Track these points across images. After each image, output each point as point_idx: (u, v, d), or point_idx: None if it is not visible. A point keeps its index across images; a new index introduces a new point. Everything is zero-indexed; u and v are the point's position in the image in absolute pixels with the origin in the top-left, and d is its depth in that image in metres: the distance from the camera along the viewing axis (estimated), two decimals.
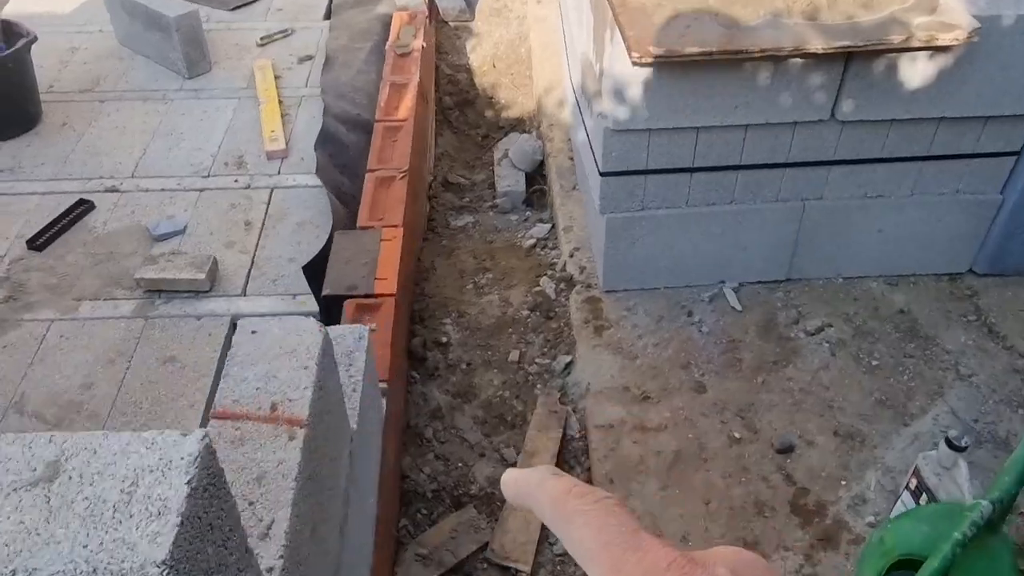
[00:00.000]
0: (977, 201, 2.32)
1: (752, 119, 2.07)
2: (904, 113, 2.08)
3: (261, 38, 3.68)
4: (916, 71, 1.98)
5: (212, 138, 3.11)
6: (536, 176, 3.38)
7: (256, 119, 3.19)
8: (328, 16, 3.91)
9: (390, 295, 2.04)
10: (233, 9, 3.95)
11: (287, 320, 1.15)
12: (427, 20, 3.39)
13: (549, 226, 2.93)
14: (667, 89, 1.99)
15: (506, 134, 3.71)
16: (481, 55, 3.85)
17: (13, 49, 2.96)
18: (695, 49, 1.78)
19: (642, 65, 1.86)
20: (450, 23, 3.92)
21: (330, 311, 2.10)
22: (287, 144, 3.05)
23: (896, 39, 1.78)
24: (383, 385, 1.81)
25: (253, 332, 1.13)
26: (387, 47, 3.07)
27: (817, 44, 1.78)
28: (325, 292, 2.08)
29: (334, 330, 1.55)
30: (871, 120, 2.11)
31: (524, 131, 3.69)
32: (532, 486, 0.38)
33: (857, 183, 2.28)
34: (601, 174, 2.20)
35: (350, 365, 1.48)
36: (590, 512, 0.35)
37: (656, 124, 2.07)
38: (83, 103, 3.30)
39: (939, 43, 1.79)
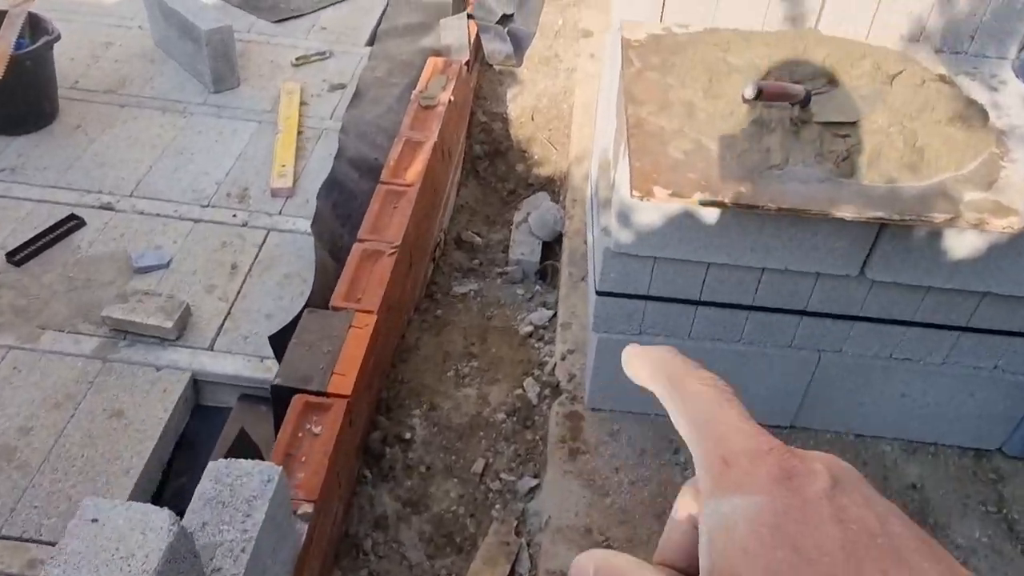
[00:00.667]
0: (1018, 382, 2.06)
1: (769, 264, 1.85)
2: (944, 283, 1.84)
3: (297, 58, 3.55)
4: (962, 244, 1.74)
5: (222, 163, 2.98)
6: (554, 246, 3.18)
7: (272, 148, 3.05)
8: (371, 42, 3.77)
9: (344, 396, 1.87)
10: (278, 21, 3.83)
11: (136, 510, 0.98)
12: (465, 67, 3.21)
13: (551, 314, 2.74)
14: (676, 222, 1.78)
15: (534, 192, 3.52)
16: (521, 105, 3.67)
17: (33, 47, 2.87)
18: (705, 197, 1.57)
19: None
20: (495, 67, 3.74)
21: (280, 398, 1.94)
22: (295, 182, 2.91)
23: (939, 217, 1.55)
24: (307, 509, 1.65)
25: (93, 520, 0.97)
26: (412, 96, 2.90)
27: (847, 210, 1.55)
28: (275, 381, 1.91)
29: (239, 467, 1.39)
30: (905, 284, 1.87)
31: (553, 192, 3.50)
32: (653, 357, 0.38)
33: (883, 342, 2.04)
34: (597, 292, 2.00)
35: (247, 517, 1.31)
36: (707, 392, 0.36)
37: (661, 253, 1.87)
38: (102, 105, 3.20)
39: (989, 229, 1.55)
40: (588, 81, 3.62)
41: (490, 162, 3.60)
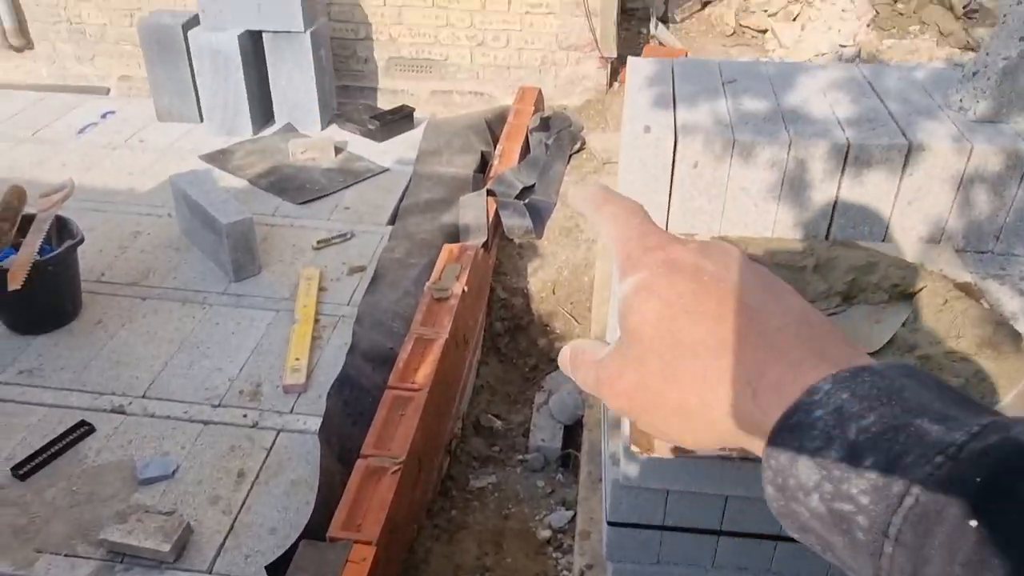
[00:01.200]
0: None
1: None
2: None
3: (318, 241, 3.59)
4: None
5: (237, 358, 2.96)
6: (577, 429, 3.05)
7: (287, 339, 3.03)
8: (393, 220, 3.81)
9: None
10: (302, 203, 3.90)
11: None
12: (482, 250, 3.20)
13: (571, 515, 2.58)
14: (687, 459, 1.65)
15: (557, 368, 3.42)
16: (542, 279, 3.63)
17: (56, 252, 2.93)
18: (711, 452, 1.45)
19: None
20: (515, 240, 3.73)
21: None
22: (308, 376, 2.86)
23: None
24: None
25: None
26: (425, 288, 2.87)
27: None
28: None
29: None
30: None
31: None
32: (585, 192, 0.50)
33: None
34: (608, 523, 1.86)
35: None
36: (618, 210, 0.48)
37: (674, 486, 1.73)
38: (124, 299, 3.24)
39: None
40: (609, 253, 3.58)
41: (511, 338, 3.53)
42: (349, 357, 2.81)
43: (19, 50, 5.29)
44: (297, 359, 2.91)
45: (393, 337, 2.97)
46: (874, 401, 0.35)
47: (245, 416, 2.72)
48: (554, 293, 3.59)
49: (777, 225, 1.96)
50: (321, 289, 3.31)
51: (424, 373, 2.45)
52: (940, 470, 0.32)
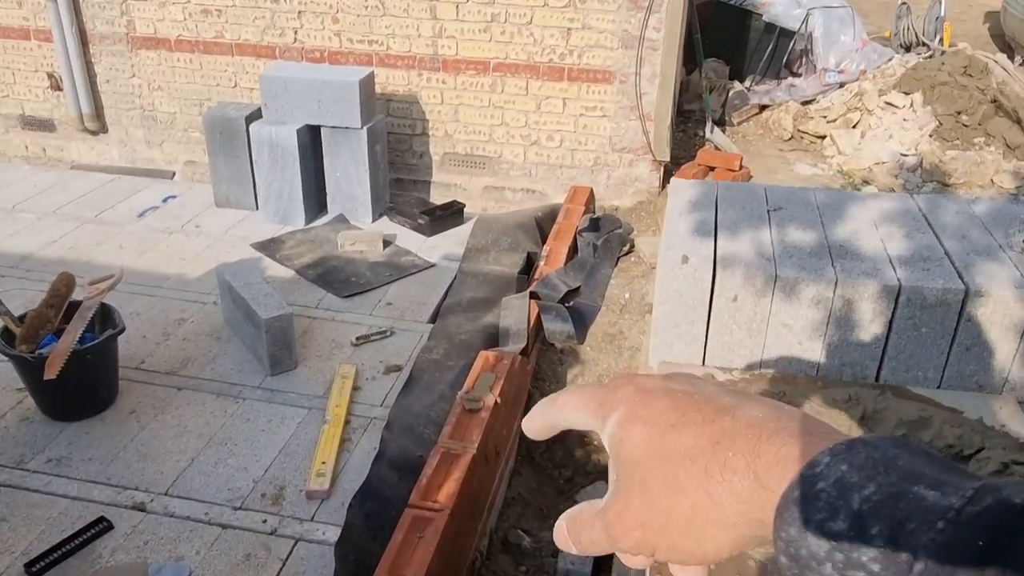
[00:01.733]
0: None
1: None
2: None
3: (357, 338, 3.56)
4: None
5: (263, 457, 2.90)
6: (608, 555, 2.89)
7: (316, 440, 2.97)
8: (434, 318, 3.77)
9: None
10: (346, 297, 3.90)
11: None
12: (520, 358, 3.12)
13: None
14: None
15: (592, 482, 3.28)
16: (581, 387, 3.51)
17: (96, 342, 2.95)
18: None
19: None
20: (556, 345, 3.64)
21: None
22: (333, 483, 2.78)
23: None
24: None
25: None
26: (457, 397, 2.80)
27: None
28: None
29: None
30: None
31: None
32: (543, 407, 0.57)
33: None
34: None
35: None
36: (568, 395, 0.54)
37: None
38: (161, 388, 3.24)
39: None
40: None
41: (547, 447, 3.41)
42: (375, 466, 2.73)
43: (94, 133, 5.52)
44: (323, 463, 2.84)
45: (423, 444, 2.89)
46: (871, 471, 0.37)
47: (265, 521, 2.65)
48: None
49: (822, 364, 1.84)
50: (355, 388, 3.26)
51: (448, 492, 2.35)
52: (943, 535, 0.34)
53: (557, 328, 3.57)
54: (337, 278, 4.06)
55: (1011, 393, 1.82)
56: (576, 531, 0.51)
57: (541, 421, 0.56)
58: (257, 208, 4.71)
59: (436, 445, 2.56)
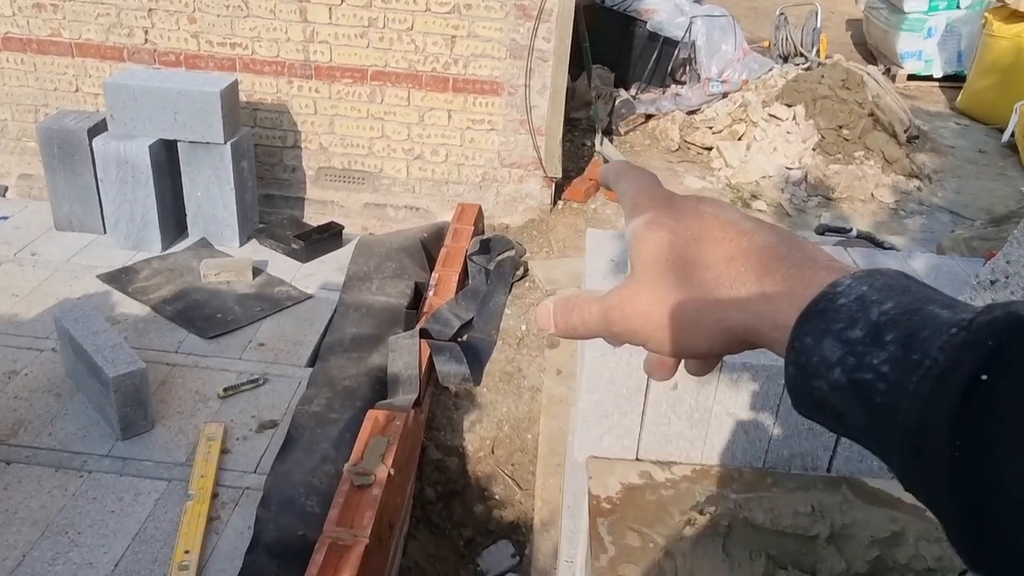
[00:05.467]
0: None
1: None
2: None
3: (224, 389, 3.14)
4: None
5: (113, 547, 2.46)
6: None
7: (177, 522, 2.55)
8: (313, 361, 3.39)
9: None
10: (211, 338, 3.46)
11: None
12: (413, 413, 2.80)
13: None
14: None
15: (495, 541, 3.02)
16: (480, 435, 3.24)
17: None
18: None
19: None
20: (451, 389, 3.35)
21: None
22: None
23: None
24: None
25: None
26: (344, 470, 2.46)
27: None
28: None
29: None
30: None
31: (517, 541, 3.00)
32: (611, 169, 0.60)
33: None
34: None
35: None
36: (633, 175, 0.56)
37: None
38: None
39: None
40: (554, 407, 3.23)
41: (444, 505, 3.12)
42: (249, 556, 2.35)
43: None
44: (187, 552, 2.43)
45: (306, 520, 2.53)
46: (890, 292, 0.40)
47: None
48: (493, 452, 3.20)
49: (770, 455, 1.63)
50: (224, 451, 2.85)
51: None
52: (956, 338, 0.36)
53: (451, 370, 3.27)
54: (200, 315, 3.61)
55: None
56: (566, 310, 0.54)
57: (612, 180, 0.59)
58: (105, 232, 4.16)
59: (322, 534, 2.21)
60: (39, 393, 3.07)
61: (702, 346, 0.49)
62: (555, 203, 4.74)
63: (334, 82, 4.41)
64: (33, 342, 3.35)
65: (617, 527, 1.46)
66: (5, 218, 4.35)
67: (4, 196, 4.79)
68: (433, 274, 3.90)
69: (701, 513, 1.45)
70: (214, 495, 2.66)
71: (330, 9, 4.24)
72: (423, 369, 3.12)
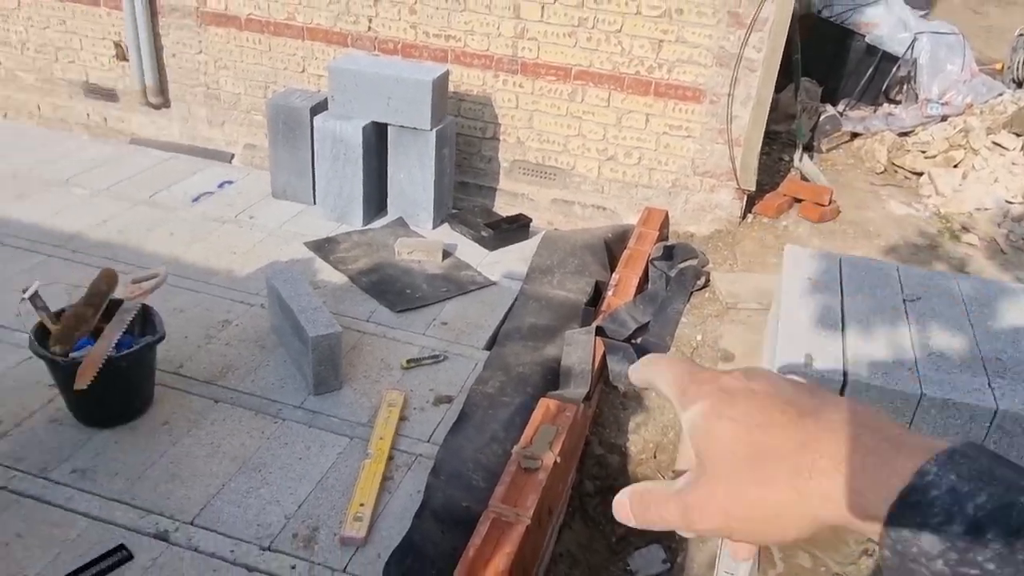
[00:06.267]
0: None
1: None
2: None
3: (408, 360, 3.32)
4: None
5: (298, 490, 2.68)
6: None
7: (356, 476, 2.74)
8: (491, 345, 3.51)
9: None
10: (400, 312, 3.67)
11: None
12: (583, 404, 2.85)
13: None
14: None
15: (647, 544, 3.01)
16: (644, 438, 3.24)
17: (134, 349, 2.75)
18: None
19: None
20: (620, 388, 3.36)
21: None
22: (370, 529, 2.55)
23: None
24: None
25: None
26: (513, 453, 2.54)
27: None
28: None
29: None
30: None
31: (670, 548, 2.97)
32: (644, 365, 0.59)
33: None
34: None
35: None
36: (666, 364, 0.56)
37: None
38: (197, 398, 3.04)
39: None
40: None
41: (602, 500, 3.14)
42: (416, 520, 2.49)
43: (156, 107, 5.37)
44: (362, 505, 2.61)
45: (472, 493, 2.64)
46: (979, 482, 0.41)
47: (294, 567, 2.43)
48: (655, 457, 3.19)
49: None
50: (402, 418, 3.02)
51: (496, 568, 2.10)
52: None
53: (623, 370, 3.29)
54: (392, 289, 3.83)
55: None
56: (643, 506, 0.54)
57: (643, 377, 0.58)
58: (315, 203, 4.51)
59: (487, 508, 2.31)
60: (247, 343, 3.38)
61: (790, 536, 0.48)
62: (744, 216, 4.63)
63: (538, 79, 4.52)
64: (245, 296, 3.69)
65: (789, 546, 1.43)
66: (231, 182, 4.80)
67: (231, 163, 5.28)
68: (614, 274, 3.92)
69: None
70: (390, 457, 2.83)
71: (543, 7, 4.35)
72: (595, 365, 3.16)
